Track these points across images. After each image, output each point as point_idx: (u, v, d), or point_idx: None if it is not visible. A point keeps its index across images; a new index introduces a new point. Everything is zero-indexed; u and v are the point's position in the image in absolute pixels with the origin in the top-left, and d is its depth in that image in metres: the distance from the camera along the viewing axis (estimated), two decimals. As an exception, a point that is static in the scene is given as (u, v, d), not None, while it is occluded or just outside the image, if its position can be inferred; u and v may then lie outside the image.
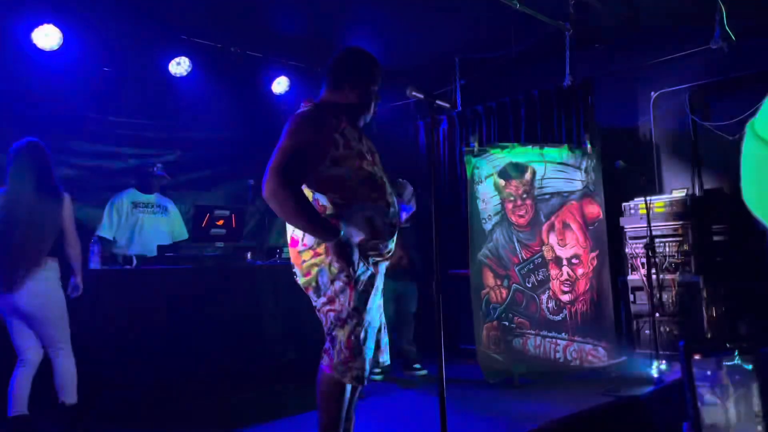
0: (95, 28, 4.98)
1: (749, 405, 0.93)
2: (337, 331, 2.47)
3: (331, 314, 2.49)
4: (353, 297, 2.45)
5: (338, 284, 2.47)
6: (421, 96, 2.43)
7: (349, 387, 2.48)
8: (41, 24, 4.64)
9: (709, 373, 0.94)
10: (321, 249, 2.50)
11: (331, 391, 2.48)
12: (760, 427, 0.90)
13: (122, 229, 4.95)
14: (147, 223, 5.00)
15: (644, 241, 4.61)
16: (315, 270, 2.51)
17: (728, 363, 0.95)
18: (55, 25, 4.69)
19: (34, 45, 4.66)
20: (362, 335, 2.45)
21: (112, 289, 4.05)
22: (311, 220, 2.38)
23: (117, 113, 5.55)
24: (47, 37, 4.68)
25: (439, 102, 2.37)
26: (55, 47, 4.74)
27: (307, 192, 2.50)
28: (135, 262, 4.34)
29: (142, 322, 4.06)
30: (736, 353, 0.96)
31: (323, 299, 2.51)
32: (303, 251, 2.53)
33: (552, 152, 5.00)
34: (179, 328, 4.22)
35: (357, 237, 2.45)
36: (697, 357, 0.94)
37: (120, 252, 4.78)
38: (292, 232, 2.58)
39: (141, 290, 4.13)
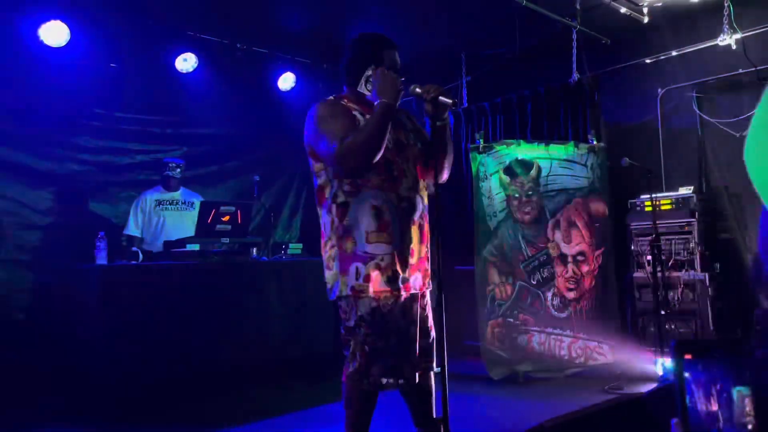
0: (102, 25, 4.99)
1: (740, 404, 0.93)
2: (349, 340, 2.42)
3: (343, 321, 2.45)
4: (359, 305, 2.38)
5: (341, 288, 2.42)
6: (420, 92, 2.39)
7: (370, 394, 2.43)
8: (48, 20, 4.65)
9: (701, 372, 0.94)
10: (334, 238, 2.45)
11: (350, 399, 2.46)
12: (750, 426, 0.90)
13: (146, 226, 5.11)
14: (169, 220, 5.12)
15: (650, 238, 4.60)
16: (332, 263, 2.46)
17: (720, 363, 0.95)
18: (62, 21, 4.70)
19: (41, 41, 4.67)
20: (380, 344, 2.37)
21: (117, 285, 4.06)
22: (369, 126, 2.34)
23: (123, 109, 5.57)
24: (54, 33, 4.69)
25: (442, 99, 2.33)
26: (62, 44, 4.75)
27: (324, 180, 2.49)
28: (141, 257, 4.36)
29: (146, 317, 4.08)
30: (728, 353, 0.95)
31: (336, 301, 2.47)
32: (325, 242, 2.50)
33: (558, 149, 4.99)
34: (183, 324, 4.24)
35: (363, 226, 2.39)
36: (688, 357, 0.94)
37: (148, 248, 4.87)
38: (321, 223, 2.53)
39: (146, 286, 4.15)
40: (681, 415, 0.91)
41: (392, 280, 2.39)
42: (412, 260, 2.45)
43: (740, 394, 0.91)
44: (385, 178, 2.41)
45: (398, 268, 2.41)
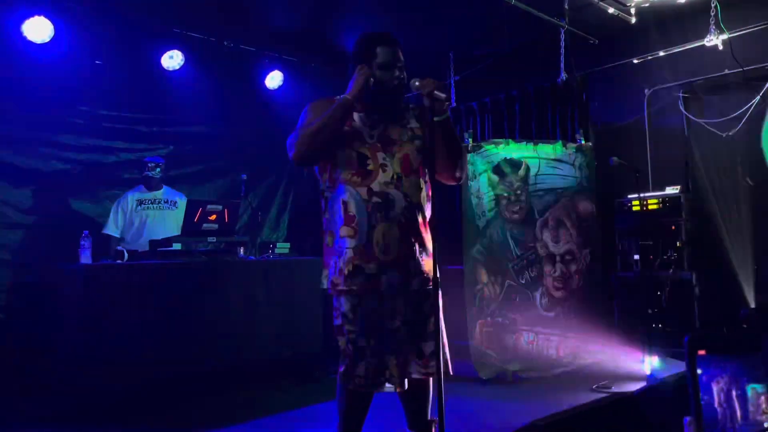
0: (87, 21, 4.92)
1: (755, 401, 0.91)
2: (339, 338, 2.42)
3: (333, 318, 2.45)
4: (342, 302, 2.39)
5: (323, 282, 2.46)
6: (419, 86, 2.36)
7: (361, 394, 2.41)
8: (32, 16, 4.58)
9: (714, 368, 0.92)
10: (324, 232, 2.49)
11: (340, 398, 2.46)
12: (766, 424, 0.88)
13: (127, 226, 5.03)
14: (151, 219, 5.06)
15: (637, 237, 4.61)
16: (323, 258, 2.52)
17: (734, 359, 0.94)
18: (46, 17, 4.63)
19: (25, 37, 4.59)
20: (362, 343, 2.35)
21: (102, 284, 4.00)
22: (317, 119, 2.36)
23: (108, 107, 5.50)
24: (38, 29, 4.61)
25: (436, 93, 2.28)
26: (46, 39, 4.67)
27: (319, 176, 2.55)
28: (126, 256, 4.31)
29: (131, 317, 4.03)
30: (742, 349, 0.94)
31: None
32: (326, 239, 2.52)
33: (546, 148, 4.99)
34: (170, 324, 4.19)
35: (337, 220, 2.42)
36: (701, 353, 0.92)
37: (128, 248, 4.79)
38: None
39: (131, 285, 4.10)
40: (695, 413, 0.89)
41: (354, 274, 2.35)
42: (386, 257, 2.36)
43: (755, 391, 0.89)
44: (357, 172, 2.39)
45: (361, 263, 2.36)
